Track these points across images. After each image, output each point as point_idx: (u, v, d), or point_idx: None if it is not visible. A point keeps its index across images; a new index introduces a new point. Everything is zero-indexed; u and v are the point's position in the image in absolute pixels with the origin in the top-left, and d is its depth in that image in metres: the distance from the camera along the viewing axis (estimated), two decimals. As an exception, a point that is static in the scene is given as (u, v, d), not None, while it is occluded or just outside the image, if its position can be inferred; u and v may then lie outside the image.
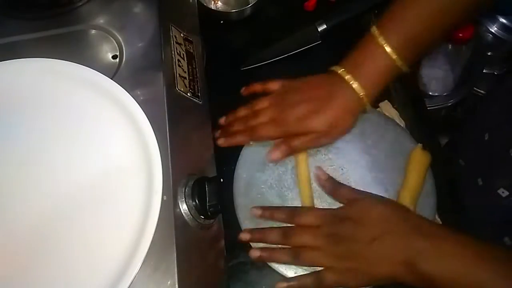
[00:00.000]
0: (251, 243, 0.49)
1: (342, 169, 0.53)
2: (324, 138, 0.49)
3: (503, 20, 0.79)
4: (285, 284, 0.45)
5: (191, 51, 0.52)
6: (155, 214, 0.36)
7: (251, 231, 0.48)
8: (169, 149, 0.41)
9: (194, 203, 0.40)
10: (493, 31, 0.81)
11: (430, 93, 0.79)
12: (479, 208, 0.57)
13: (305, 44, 0.68)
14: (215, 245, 0.46)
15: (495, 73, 0.86)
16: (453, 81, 0.77)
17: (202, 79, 0.52)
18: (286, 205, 0.51)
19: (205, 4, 0.69)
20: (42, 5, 0.51)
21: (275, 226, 0.48)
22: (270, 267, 0.49)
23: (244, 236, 0.48)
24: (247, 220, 0.50)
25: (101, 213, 0.38)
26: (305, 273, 0.46)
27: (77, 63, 0.44)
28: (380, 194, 0.50)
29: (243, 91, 0.56)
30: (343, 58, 0.50)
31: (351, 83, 0.47)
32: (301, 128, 0.48)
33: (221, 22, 0.71)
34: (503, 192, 0.53)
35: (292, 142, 0.49)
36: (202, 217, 0.41)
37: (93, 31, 0.49)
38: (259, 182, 0.53)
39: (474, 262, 0.38)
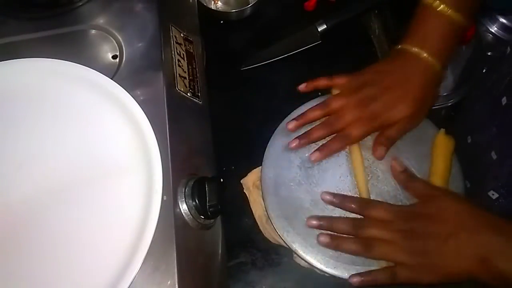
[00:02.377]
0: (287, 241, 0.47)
1: (368, 160, 0.52)
2: (416, 119, 0.49)
3: (503, 20, 0.79)
4: (358, 278, 0.44)
5: (191, 51, 0.52)
6: (155, 214, 0.36)
7: (319, 218, 0.47)
8: (169, 149, 0.41)
9: (194, 203, 0.40)
10: (493, 31, 0.80)
11: (430, 93, 0.79)
12: None
13: (305, 44, 0.68)
14: (215, 245, 0.46)
15: (495, 73, 0.86)
16: (453, 81, 0.77)
17: (202, 79, 0.52)
18: (316, 201, 0.50)
19: (205, 4, 0.69)
20: (42, 5, 0.51)
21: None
22: (270, 267, 0.49)
23: (311, 223, 0.47)
24: (279, 219, 0.50)
25: (101, 213, 0.38)
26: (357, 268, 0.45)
27: (77, 63, 0.44)
28: None
29: (304, 87, 0.53)
30: (405, 36, 0.50)
31: (424, 56, 0.47)
32: (391, 118, 0.48)
33: (221, 22, 0.71)
34: (493, 194, 0.52)
35: (389, 132, 0.49)
36: (202, 217, 0.41)
37: (93, 31, 0.49)
38: (286, 180, 0.52)
39: None
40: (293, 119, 0.52)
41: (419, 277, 0.42)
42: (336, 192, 0.50)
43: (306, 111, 0.52)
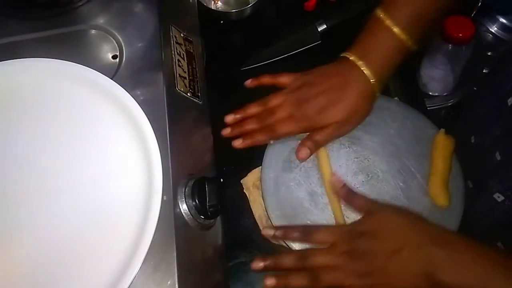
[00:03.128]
0: None
1: (368, 160, 0.53)
2: (345, 127, 0.49)
3: (503, 20, 0.79)
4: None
5: (191, 51, 0.52)
6: (155, 214, 0.36)
7: (263, 259, 0.45)
8: (169, 149, 0.41)
9: (194, 203, 0.40)
10: (493, 31, 0.81)
11: (430, 93, 0.79)
12: (470, 212, 0.55)
13: (305, 44, 0.68)
14: (215, 245, 0.45)
15: (495, 73, 0.86)
16: (453, 81, 0.77)
17: (202, 79, 0.52)
18: (316, 200, 0.51)
19: (205, 4, 0.69)
20: (42, 5, 0.51)
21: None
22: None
23: (256, 266, 0.45)
24: (279, 219, 0.50)
25: (101, 213, 0.38)
26: None
27: (77, 63, 0.44)
28: (408, 181, 0.50)
29: (249, 82, 0.54)
30: (352, 44, 0.50)
31: (362, 69, 0.47)
32: (321, 121, 0.48)
33: (221, 22, 0.71)
34: (498, 197, 0.52)
35: (316, 136, 0.49)
36: (202, 217, 0.41)
37: (93, 31, 0.49)
38: (287, 180, 0.52)
39: (493, 271, 0.37)
40: (231, 113, 0.52)
41: None
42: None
43: (245, 106, 0.52)
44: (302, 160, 0.50)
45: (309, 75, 0.52)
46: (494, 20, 0.82)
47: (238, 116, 0.52)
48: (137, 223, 0.37)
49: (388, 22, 0.47)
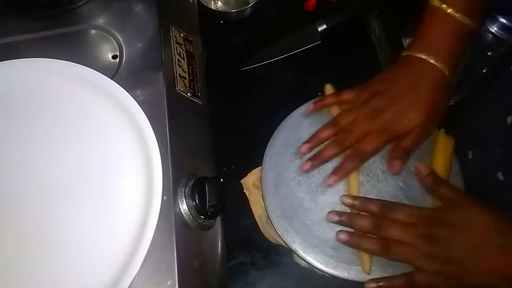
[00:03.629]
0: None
1: (368, 160, 0.53)
2: (430, 126, 0.48)
3: (503, 20, 0.79)
4: (374, 284, 0.43)
5: (191, 51, 0.52)
6: (155, 214, 0.36)
7: (339, 213, 0.46)
8: (169, 149, 0.41)
9: (194, 203, 0.40)
10: (493, 31, 0.80)
11: (430, 93, 0.79)
12: None
13: (305, 44, 0.68)
14: (215, 245, 0.45)
15: (495, 73, 0.86)
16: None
17: (202, 79, 0.52)
18: (316, 200, 0.50)
19: (205, 4, 0.69)
20: (42, 5, 0.51)
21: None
22: (270, 267, 0.49)
23: (332, 217, 0.46)
24: (279, 219, 0.50)
25: (101, 213, 0.38)
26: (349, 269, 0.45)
27: (77, 63, 0.44)
28: (408, 181, 0.50)
29: (312, 109, 0.52)
30: (413, 40, 0.48)
31: (432, 62, 0.46)
32: (403, 128, 0.47)
33: (221, 22, 0.71)
34: None
35: (404, 144, 0.47)
36: (202, 217, 0.41)
37: (93, 31, 0.49)
38: (287, 180, 0.52)
39: None
40: (305, 142, 0.50)
41: (437, 285, 0.41)
42: (336, 191, 0.50)
43: (316, 132, 0.50)
44: (398, 173, 0.48)
45: (374, 84, 0.50)
46: (494, 20, 0.82)
47: (312, 144, 0.49)
48: (137, 223, 0.37)
49: (447, 9, 0.45)
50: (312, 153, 0.51)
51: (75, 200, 0.39)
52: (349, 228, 0.47)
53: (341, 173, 0.48)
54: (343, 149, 0.48)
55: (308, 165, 0.49)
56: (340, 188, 0.51)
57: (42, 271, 0.36)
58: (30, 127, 0.42)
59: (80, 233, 0.38)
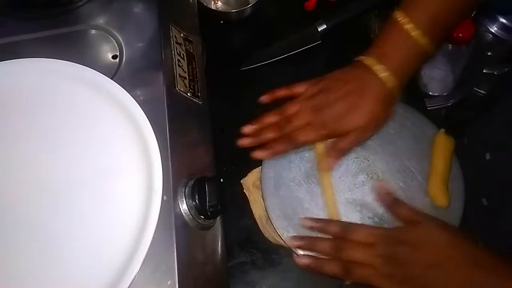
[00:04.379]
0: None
1: (368, 160, 0.53)
2: (367, 132, 0.48)
3: (503, 20, 0.79)
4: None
5: (191, 51, 0.52)
6: (155, 214, 0.36)
7: (301, 238, 0.47)
8: (169, 149, 0.41)
9: (194, 203, 0.40)
10: (493, 31, 0.81)
11: (430, 93, 0.79)
12: (482, 231, 0.53)
13: (305, 44, 0.68)
14: (215, 245, 0.45)
15: (495, 73, 0.86)
16: (453, 81, 0.77)
17: (202, 79, 0.52)
18: (316, 200, 0.51)
19: (205, 4, 0.69)
20: (42, 5, 0.51)
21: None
22: (270, 267, 0.49)
23: (292, 243, 0.47)
24: (279, 219, 0.50)
25: (101, 213, 0.38)
26: None
27: (77, 63, 0.44)
28: (408, 181, 0.50)
29: (265, 98, 0.53)
30: (369, 48, 0.49)
31: (379, 74, 0.46)
32: (341, 127, 0.47)
33: (221, 22, 0.71)
34: None
35: (340, 144, 0.48)
36: (202, 217, 0.41)
37: (93, 31, 0.49)
38: (287, 180, 0.52)
39: None
40: (248, 123, 0.51)
41: None
42: (335, 193, 0.50)
43: (262, 115, 0.51)
44: (327, 170, 0.50)
45: (325, 80, 0.50)
46: (494, 20, 0.82)
47: (255, 126, 0.51)
48: (137, 223, 0.37)
49: (407, 25, 0.45)
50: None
51: (75, 200, 0.39)
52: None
53: (268, 151, 0.49)
54: (279, 134, 0.49)
55: (246, 141, 0.50)
56: (340, 188, 0.51)
57: (42, 271, 0.36)
58: (30, 127, 0.42)
59: (80, 233, 0.38)
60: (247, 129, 0.51)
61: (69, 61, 0.44)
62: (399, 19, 0.46)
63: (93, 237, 0.37)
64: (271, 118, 0.51)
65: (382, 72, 0.46)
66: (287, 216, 0.50)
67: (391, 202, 0.47)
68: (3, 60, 0.44)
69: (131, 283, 0.34)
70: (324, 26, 0.67)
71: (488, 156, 0.54)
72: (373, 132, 0.49)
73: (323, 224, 0.47)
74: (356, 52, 0.51)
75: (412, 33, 0.45)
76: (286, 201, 0.51)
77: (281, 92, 0.52)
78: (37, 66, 0.44)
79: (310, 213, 0.50)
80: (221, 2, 0.73)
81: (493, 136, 0.57)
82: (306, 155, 0.53)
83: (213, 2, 0.73)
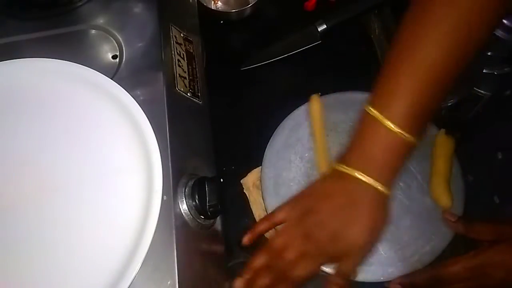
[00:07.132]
0: None
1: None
2: (369, 246, 0.42)
3: (503, 20, 0.79)
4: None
5: (191, 51, 0.52)
6: (155, 214, 0.36)
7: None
8: (169, 149, 0.41)
9: (194, 203, 0.40)
10: (493, 31, 0.80)
11: (430, 93, 0.79)
12: None
13: (305, 44, 0.68)
14: (215, 245, 0.45)
15: (495, 73, 0.86)
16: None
17: (202, 79, 0.52)
18: None
19: (205, 4, 0.69)
20: (42, 5, 0.51)
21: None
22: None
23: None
24: None
25: (101, 213, 0.38)
26: None
27: (77, 63, 0.44)
28: (408, 181, 0.50)
29: (247, 239, 0.45)
30: (347, 151, 0.42)
31: (367, 182, 0.40)
32: (340, 248, 0.41)
33: (221, 22, 0.71)
34: None
35: (343, 269, 0.42)
36: (202, 217, 0.41)
37: (93, 31, 0.49)
38: (286, 181, 0.52)
39: None
40: (238, 275, 0.43)
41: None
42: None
43: (251, 261, 0.43)
44: None
45: (307, 199, 0.44)
46: (494, 20, 0.82)
47: (247, 276, 0.43)
48: (137, 223, 0.37)
49: (383, 119, 0.39)
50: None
51: (75, 200, 0.39)
52: None
53: None
54: (276, 276, 0.42)
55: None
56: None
57: (42, 271, 0.36)
58: (30, 127, 0.42)
59: (80, 233, 0.38)
60: (239, 283, 0.43)
61: (69, 61, 0.44)
62: (372, 114, 0.40)
63: (93, 237, 0.37)
64: (260, 261, 0.43)
65: (370, 182, 0.40)
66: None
67: (465, 225, 0.48)
68: (3, 60, 0.44)
69: (131, 283, 0.34)
70: (324, 26, 0.67)
71: (500, 155, 0.54)
72: (375, 242, 0.42)
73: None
74: (356, 52, 0.50)
75: (393, 130, 0.39)
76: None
77: (262, 227, 0.45)
78: (37, 66, 0.44)
79: None
80: (221, 2, 0.73)
81: (506, 137, 0.56)
82: (306, 155, 0.53)
83: (213, 2, 0.73)
